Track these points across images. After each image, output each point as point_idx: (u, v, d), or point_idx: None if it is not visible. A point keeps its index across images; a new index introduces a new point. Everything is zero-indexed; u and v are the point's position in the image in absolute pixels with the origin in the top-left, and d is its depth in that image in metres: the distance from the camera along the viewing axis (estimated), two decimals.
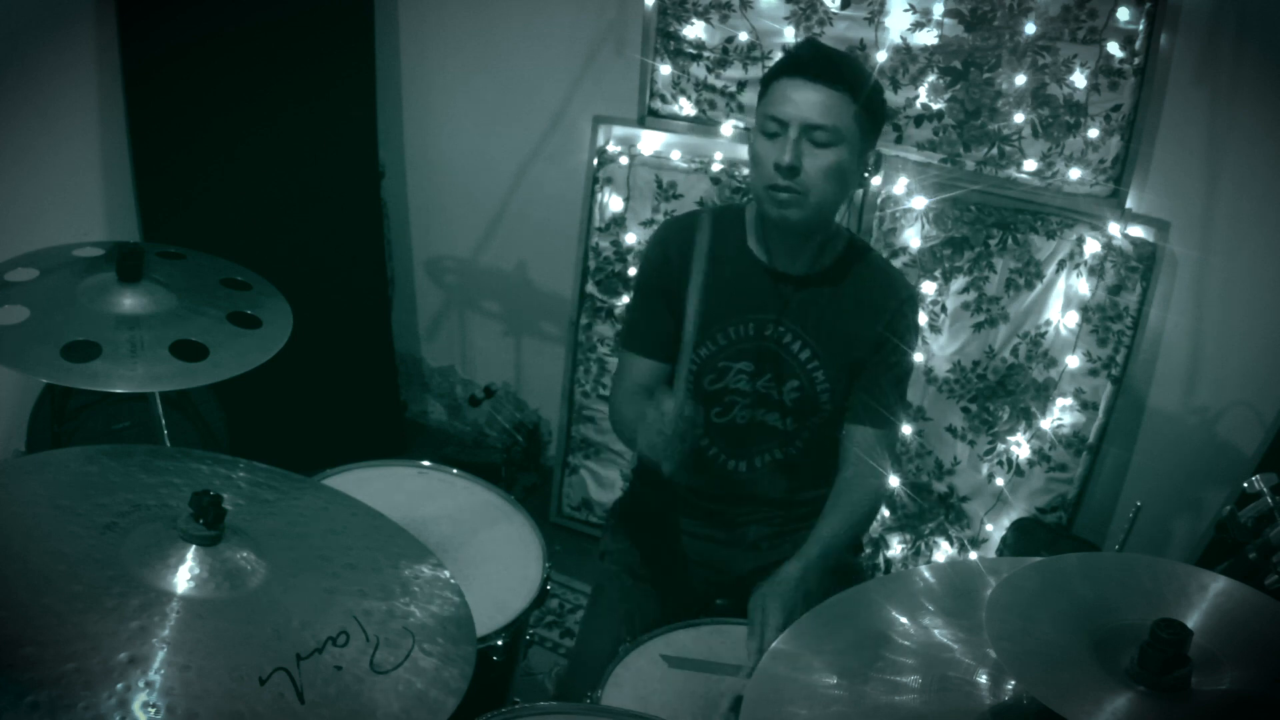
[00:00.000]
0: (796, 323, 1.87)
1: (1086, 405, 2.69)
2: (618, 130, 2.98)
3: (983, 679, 1.16)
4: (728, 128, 2.85)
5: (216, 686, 1.04)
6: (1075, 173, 2.57)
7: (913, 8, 2.56)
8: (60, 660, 1.00)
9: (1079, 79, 2.48)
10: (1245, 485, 1.59)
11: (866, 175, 1.84)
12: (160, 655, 1.05)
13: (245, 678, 1.07)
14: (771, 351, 1.88)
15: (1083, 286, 2.62)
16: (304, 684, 1.09)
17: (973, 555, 2.86)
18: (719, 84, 2.81)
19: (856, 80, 1.77)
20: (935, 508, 2.91)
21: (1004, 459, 2.79)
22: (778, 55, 2.71)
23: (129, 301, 1.76)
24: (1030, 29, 2.48)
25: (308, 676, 1.10)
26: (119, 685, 1.00)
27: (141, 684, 1.01)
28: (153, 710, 1.00)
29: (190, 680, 1.04)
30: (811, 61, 1.77)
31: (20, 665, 0.99)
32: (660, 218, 2.91)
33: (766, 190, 1.77)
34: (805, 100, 1.73)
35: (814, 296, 1.86)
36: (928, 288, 2.75)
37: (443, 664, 1.19)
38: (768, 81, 1.80)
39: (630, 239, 2.98)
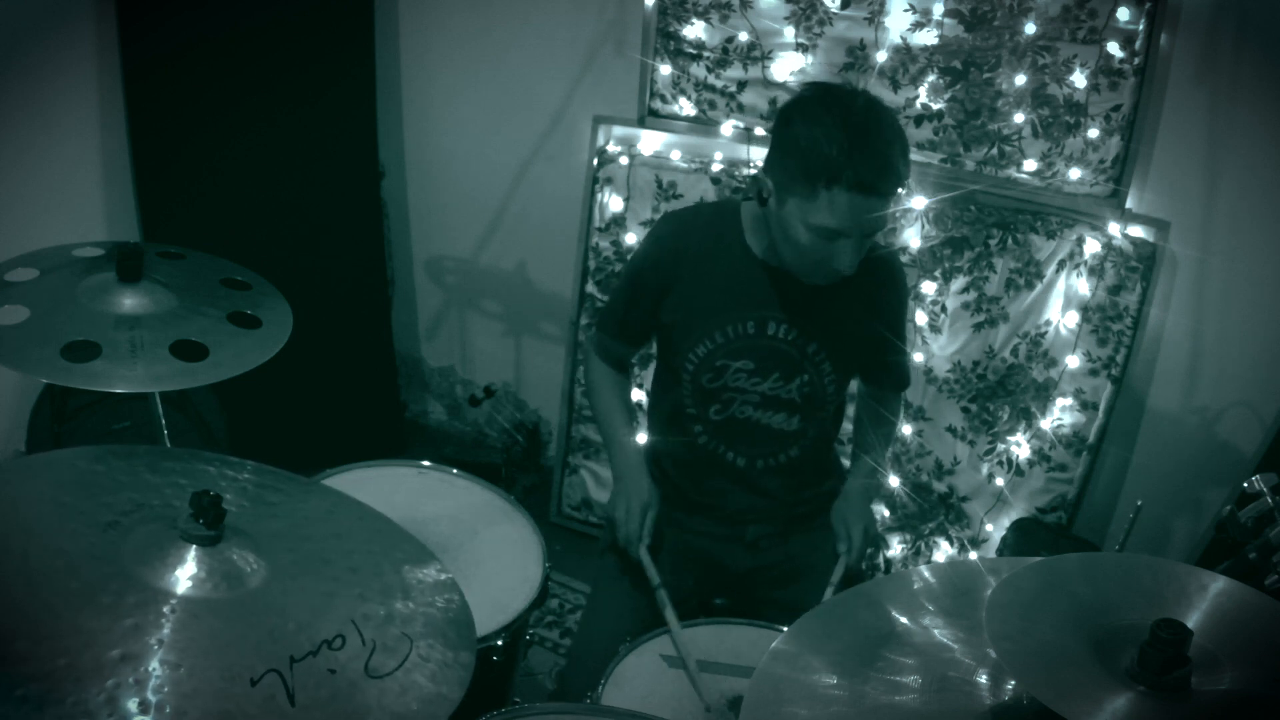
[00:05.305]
0: (801, 317, 1.87)
1: (1086, 405, 2.69)
2: (618, 130, 2.97)
3: (983, 679, 1.16)
4: (728, 128, 2.84)
5: (207, 686, 1.04)
6: (1075, 173, 2.57)
7: (913, 8, 2.56)
8: (53, 655, 1.00)
9: (1079, 79, 2.48)
10: (1245, 485, 1.59)
11: None
12: (153, 653, 1.05)
13: (237, 678, 1.06)
14: (775, 350, 1.88)
15: (1083, 286, 2.62)
16: (296, 686, 1.08)
17: (973, 555, 2.86)
18: (719, 84, 2.81)
19: (907, 168, 1.73)
20: (935, 508, 2.90)
21: (1004, 459, 2.79)
22: (778, 55, 2.71)
23: (129, 301, 1.76)
24: (1030, 29, 2.48)
25: (300, 679, 1.09)
26: (109, 682, 1.00)
27: (132, 681, 1.01)
28: (140, 707, 0.99)
29: (181, 679, 1.03)
30: (877, 179, 1.68)
31: (12, 660, 0.99)
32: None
33: (811, 272, 1.79)
34: (869, 210, 1.69)
35: (816, 291, 1.84)
36: (928, 288, 2.75)
37: (440, 670, 1.18)
38: (817, 181, 1.68)
39: (630, 239, 2.98)
